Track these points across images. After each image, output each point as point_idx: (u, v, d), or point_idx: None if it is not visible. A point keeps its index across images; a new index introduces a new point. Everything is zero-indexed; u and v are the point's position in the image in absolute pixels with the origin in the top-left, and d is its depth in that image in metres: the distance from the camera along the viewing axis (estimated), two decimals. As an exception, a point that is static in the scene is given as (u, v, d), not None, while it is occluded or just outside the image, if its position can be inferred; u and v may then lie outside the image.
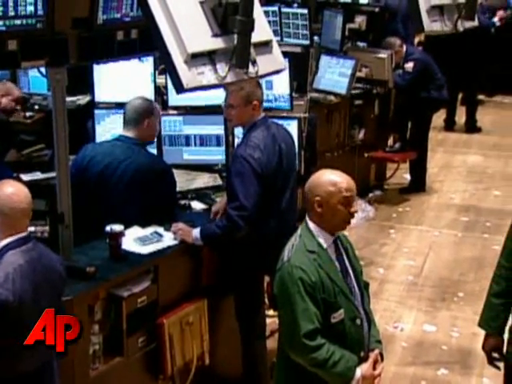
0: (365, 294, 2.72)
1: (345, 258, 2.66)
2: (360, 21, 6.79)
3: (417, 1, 3.36)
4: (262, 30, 2.85)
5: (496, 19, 8.92)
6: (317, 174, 2.65)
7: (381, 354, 2.71)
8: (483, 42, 8.62)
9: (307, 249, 2.57)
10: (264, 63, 2.86)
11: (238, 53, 2.69)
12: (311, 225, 2.62)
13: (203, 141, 4.42)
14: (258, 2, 2.88)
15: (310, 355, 2.50)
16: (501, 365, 2.90)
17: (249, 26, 2.67)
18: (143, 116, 3.63)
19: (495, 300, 2.87)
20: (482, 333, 4.15)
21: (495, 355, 2.89)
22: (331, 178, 2.58)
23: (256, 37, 2.75)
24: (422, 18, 3.35)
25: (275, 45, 2.96)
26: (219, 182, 4.23)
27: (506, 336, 2.87)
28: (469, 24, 3.64)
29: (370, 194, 6.90)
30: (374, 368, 2.64)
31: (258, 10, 2.85)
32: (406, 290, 5.16)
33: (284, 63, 3.04)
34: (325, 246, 2.60)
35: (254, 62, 2.79)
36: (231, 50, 2.70)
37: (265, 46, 2.90)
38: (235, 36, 2.68)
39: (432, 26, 3.38)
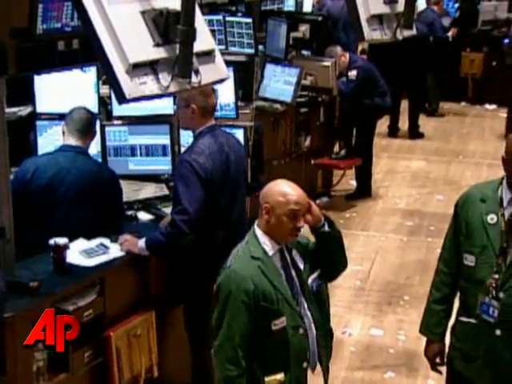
0: (314, 304, 2.68)
1: (291, 267, 2.66)
2: (304, 29, 6.87)
3: (357, 10, 3.42)
4: (204, 40, 2.84)
5: (450, 34, 9.13)
6: (274, 181, 2.69)
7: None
8: (423, 50, 8.83)
9: (252, 255, 2.60)
10: (207, 72, 2.85)
11: (181, 62, 2.68)
12: (258, 231, 2.64)
13: (149, 151, 4.39)
14: (200, 11, 2.88)
15: (223, 374, 2.53)
16: (443, 369, 2.96)
17: (190, 35, 2.66)
18: (91, 125, 3.63)
19: (436, 306, 2.92)
20: (426, 335, 4.25)
21: (438, 361, 2.94)
22: (283, 189, 2.61)
23: (198, 46, 2.75)
24: (362, 27, 3.41)
25: (218, 54, 2.96)
26: (166, 191, 4.21)
27: (447, 340, 2.93)
28: (407, 33, 3.71)
29: (317, 201, 6.95)
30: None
31: (200, 19, 2.85)
32: (353, 294, 5.22)
33: (227, 72, 3.04)
34: (270, 253, 2.62)
35: (197, 72, 2.78)
36: (173, 59, 2.69)
37: (207, 55, 2.89)
38: (177, 46, 2.67)
39: (372, 34, 3.44)
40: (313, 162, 6.90)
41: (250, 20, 6.45)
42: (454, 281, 2.89)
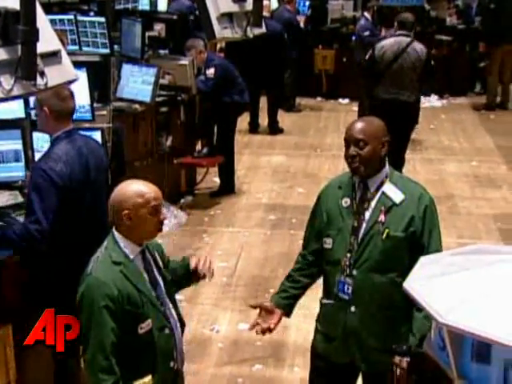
0: (178, 303, 2.73)
1: (154, 268, 2.66)
2: (159, 28, 6.82)
3: (206, 9, 3.45)
4: (48, 40, 2.76)
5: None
6: (121, 186, 2.63)
7: None
8: (279, 48, 9.06)
9: (113, 260, 2.56)
10: (54, 74, 2.77)
11: (23, 64, 2.58)
12: (118, 236, 2.60)
13: (0, 157, 4.18)
14: (46, 11, 2.79)
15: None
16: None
17: (32, 35, 2.57)
18: None
19: (286, 283, 3.05)
20: (291, 325, 4.38)
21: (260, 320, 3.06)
22: (138, 190, 2.57)
23: (42, 47, 2.66)
24: (212, 26, 3.44)
25: (65, 54, 2.88)
26: (20, 199, 4.03)
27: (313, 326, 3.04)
28: (258, 31, 3.80)
29: (182, 200, 6.95)
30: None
31: (43, 19, 2.76)
32: (220, 291, 5.27)
33: (76, 73, 2.97)
34: (131, 256, 2.59)
35: (43, 74, 2.69)
36: (16, 61, 2.58)
37: (53, 56, 2.81)
38: (19, 47, 2.57)
39: (223, 32, 3.50)
40: (175, 161, 6.88)
41: (103, 19, 6.32)
42: (312, 268, 3.01)
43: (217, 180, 7.38)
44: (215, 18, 3.41)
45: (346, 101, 10.89)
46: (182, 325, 2.76)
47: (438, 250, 2.81)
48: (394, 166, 6.99)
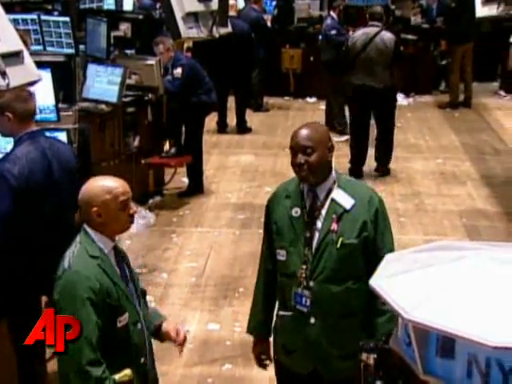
0: (142, 300, 2.74)
1: (124, 264, 2.68)
2: (125, 28, 6.78)
3: (172, 8, 3.43)
4: (9, 40, 2.72)
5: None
6: (88, 183, 2.62)
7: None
8: (247, 47, 9.07)
9: (89, 254, 2.55)
10: (16, 75, 2.74)
11: (-16, 65, 2.54)
12: (91, 231, 2.60)
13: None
14: (3, 10, 2.75)
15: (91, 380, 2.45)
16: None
17: (-7, 36, 2.53)
18: None
19: (259, 305, 3.02)
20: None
21: (263, 357, 3.04)
22: (105, 186, 2.57)
23: (4, 47, 2.63)
24: (178, 25, 3.43)
25: (27, 55, 2.84)
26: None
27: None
28: (223, 30, 3.79)
29: (150, 201, 6.92)
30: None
31: (4, 19, 2.71)
32: (189, 292, 5.25)
33: (39, 74, 2.94)
34: (106, 251, 2.60)
35: (4, 74, 2.66)
36: (-24, 62, 2.54)
37: (15, 56, 2.77)
38: (-21, 47, 2.53)
39: (189, 32, 3.49)
40: (143, 161, 6.84)
41: (67, 19, 6.25)
42: (271, 280, 2.96)
43: (185, 180, 7.36)
44: (180, 17, 3.39)
45: (314, 100, 10.93)
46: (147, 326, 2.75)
47: (391, 251, 2.76)
48: (381, 145, 7.60)
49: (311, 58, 10.55)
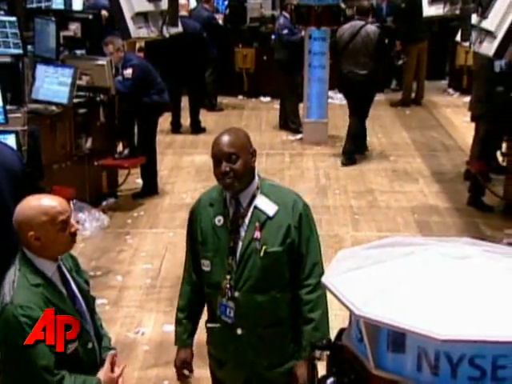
0: (94, 312, 2.65)
1: (70, 281, 2.55)
2: (74, 28, 6.68)
3: (121, 8, 3.40)
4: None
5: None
6: (22, 204, 2.44)
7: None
8: (199, 47, 9.04)
9: (31, 283, 2.40)
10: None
11: None
12: (30, 255, 2.44)
13: None
14: None
15: None
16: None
17: None
18: None
19: (180, 315, 2.98)
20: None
21: (184, 365, 3.00)
22: (41, 207, 2.39)
23: None
24: (127, 25, 3.40)
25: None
26: None
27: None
28: (174, 30, 3.78)
29: (104, 203, 6.84)
30: (113, 370, 2.60)
31: None
32: (145, 293, 5.21)
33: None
34: (49, 274, 2.46)
35: None
36: None
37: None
38: None
39: (138, 32, 3.46)
40: (96, 163, 6.76)
41: (14, 19, 6.12)
42: (196, 289, 2.91)
43: (139, 181, 7.30)
44: (130, 17, 3.36)
45: (268, 99, 10.97)
46: (98, 338, 2.66)
47: (317, 257, 2.76)
48: (350, 133, 7.93)
49: (264, 58, 10.58)
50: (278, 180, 6.21)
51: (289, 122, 9.37)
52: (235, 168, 2.66)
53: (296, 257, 2.74)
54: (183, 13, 9.12)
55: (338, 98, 11.23)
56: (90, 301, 2.64)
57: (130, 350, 4.38)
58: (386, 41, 8.31)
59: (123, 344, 4.40)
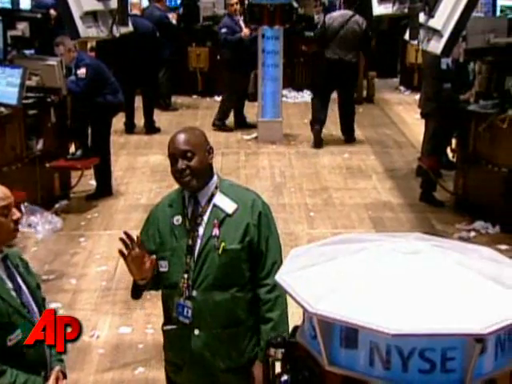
0: (43, 310, 2.63)
1: (16, 275, 2.55)
2: (23, 27, 6.55)
3: (69, 7, 3.35)
4: None
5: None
6: None
7: (63, 372, 2.63)
8: (153, 47, 8.98)
9: None
10: None
11: None
12: None
13: None
14: None
15: None
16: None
17: None
18: None
19: None
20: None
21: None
22: None
23: None
24: (76, 25, 3.35)
25: None
26: None
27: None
28: (124, 29, 3.74)
29: (57, 205, 6.73)
30: None
31: None
32: (100, 296, 5.15)
33: None
34: None
35: None
36: None
37: None
38: None
39: (88, 32, 3.41)
40: (48, 165, 6.65)
41: (-42, 18, 5.98)
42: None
43: (93, 183, 7.21)
44: (78, 16, 3.31)
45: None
46: None
47: (276, 256, 2.75)
48: (346, 114, 8.83)
49: (218, 57, 10.56)
50: (234, 179, 6.17)
51: (215, 118, 9.39)
52: (191, 165, 2.66)
53: (255, 255, 2.73)
54: (136, 12, 9.07)
55: (291, 97, 11.33)
56: (39, 299, 2.62)
57: (85, 354, 4.33)
58: (370, 33, 8.92)
59: (78, 348, 4.33)
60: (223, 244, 2.69)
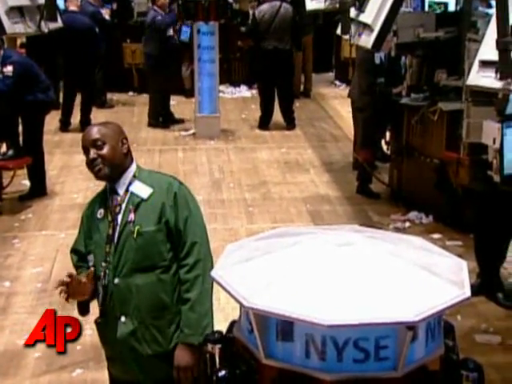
0: None
1: None
2: None
3: (-6, 2, 3.25)
4: None
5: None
6: None
7: None
8: (90, 43, 8.83)
9: None
10: None
11: None
12: None
13: None
14: None
15: None
16: None
17: None
18: None
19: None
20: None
21: None
22: None
23: None
24: (1, 20, 3.24)
25: None
26: None
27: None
28: (53, 25, 3.65)
29: (-13, 207, 6.53)
30: None
31: None
32: (35, 298, 5.02)
33: None
34: None
35: None
36: None
37: None
38: None
39: (14, 28, 3.31)
40: (-22, 165, 6.45)
41: None
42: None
43: (26, 182, 7.03)
44: (3, 12, 3.21)
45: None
46: None
47: (196, 236, 2.75)
48: (285, 99, 9.19)
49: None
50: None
51: (148, 117, 9.35)
52: (102, 153, 2.71)
53: (174, 236, 2.76)
54: (73, 8, 8.89)
55: (228, 92, 11.33)
56: None
57: (21, 358, 4.21)
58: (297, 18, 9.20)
59: (12, 352, 4.23)
60: (137, 227, 2.72)
